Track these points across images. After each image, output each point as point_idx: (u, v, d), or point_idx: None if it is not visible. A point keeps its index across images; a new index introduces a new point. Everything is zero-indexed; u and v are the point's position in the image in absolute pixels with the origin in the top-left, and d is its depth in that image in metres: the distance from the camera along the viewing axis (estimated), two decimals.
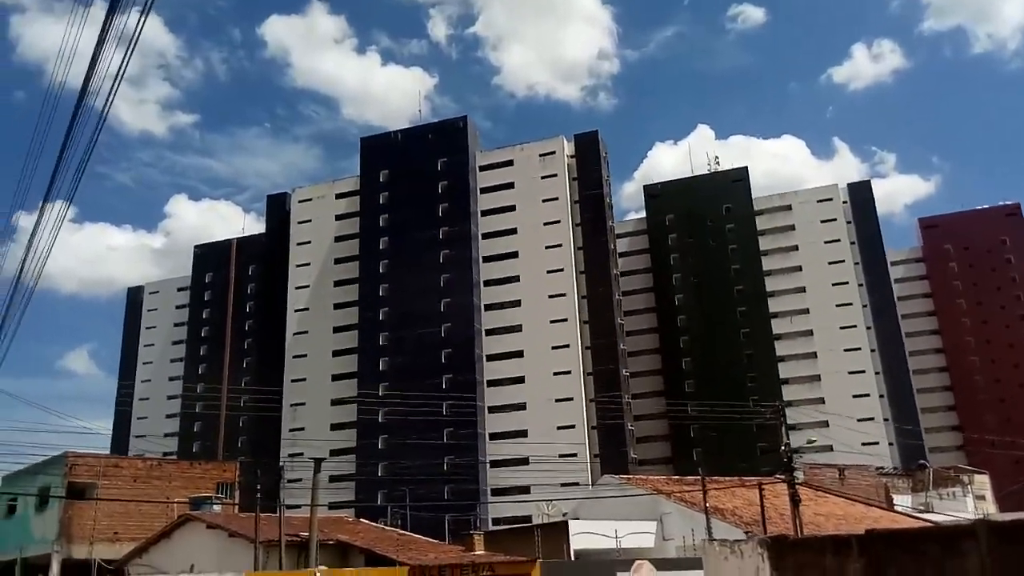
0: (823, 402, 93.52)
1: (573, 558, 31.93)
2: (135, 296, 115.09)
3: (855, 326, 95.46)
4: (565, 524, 33.22)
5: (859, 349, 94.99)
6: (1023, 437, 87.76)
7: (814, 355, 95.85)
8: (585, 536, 33.13)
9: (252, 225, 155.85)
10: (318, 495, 25.64)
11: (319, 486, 25.39)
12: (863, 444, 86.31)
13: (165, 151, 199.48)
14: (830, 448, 76.02)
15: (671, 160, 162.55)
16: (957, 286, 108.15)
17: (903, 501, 46.50)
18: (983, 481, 48.70)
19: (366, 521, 32.59)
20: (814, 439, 38.18)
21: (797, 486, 42.19)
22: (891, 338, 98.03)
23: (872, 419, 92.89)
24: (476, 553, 27.46)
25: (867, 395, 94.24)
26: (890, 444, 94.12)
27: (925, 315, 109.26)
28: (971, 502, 45.29)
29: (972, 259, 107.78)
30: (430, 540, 29.56)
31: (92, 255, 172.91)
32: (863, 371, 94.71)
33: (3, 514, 36.69)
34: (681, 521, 34.75)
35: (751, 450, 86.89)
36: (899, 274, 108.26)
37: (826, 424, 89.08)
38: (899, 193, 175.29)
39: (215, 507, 29.72)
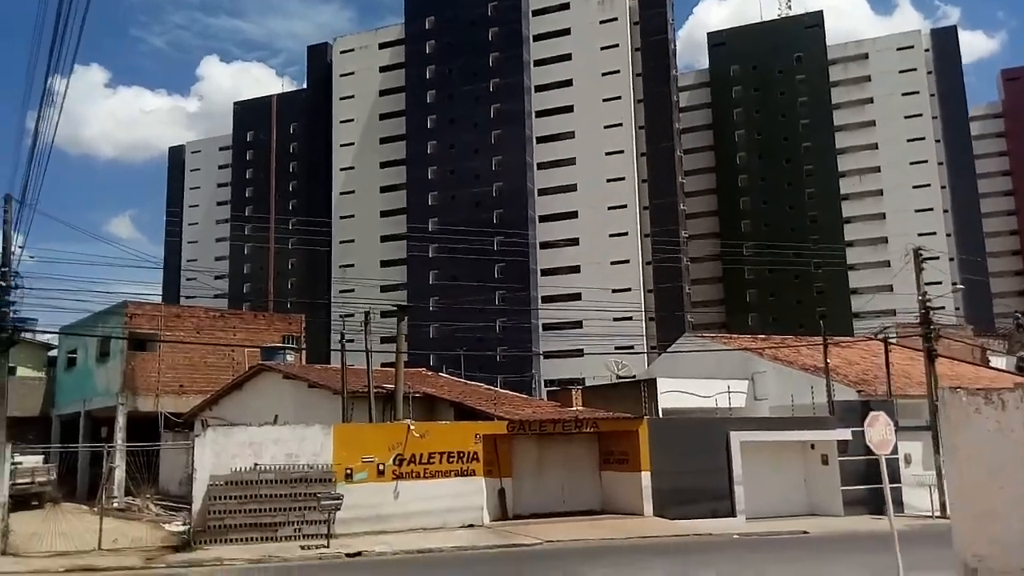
0: (888, 265, 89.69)
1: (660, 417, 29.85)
2: (177, 156, 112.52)
3: (928, 185, 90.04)
4: (653, 382, 30.90)
5: (931, 210, 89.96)
6: None
7: (883, 216, 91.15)
8: (672, 395, 30.90)
9: (289, 89, 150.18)
10: (403, 342, 23.33)
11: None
12: (927, 308, 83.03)
13: (197, 12, 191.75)
14: (893, 312, 72.99)
15: (720, 15, 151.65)
16: None
17: (998, 363, 43.62)
18: None
19: (446, 375, 30.57)
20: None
21: (893, 346, 39.38)
22: (966, 199, 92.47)
23: (940, 283, 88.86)
24: (577, 408, 25.26)
25: (936, 258, 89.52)
26: (956, 309, 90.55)
27: (999, 175, 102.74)
28: None
29: None
30: (520, 395, 27.41)
31: (128, 119, 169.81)
32: (934, 233, 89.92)
33: (64, 367, 35.45)
34: (777, 380, 32.25)
35: (811, 315, 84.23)
36: (975, 131, 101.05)
37: (890, 288, 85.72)
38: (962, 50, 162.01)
39: (288, 358, 27.73)
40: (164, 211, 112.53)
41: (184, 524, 19.98)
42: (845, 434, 24.71)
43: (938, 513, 23.80)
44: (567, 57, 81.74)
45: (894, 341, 40.76)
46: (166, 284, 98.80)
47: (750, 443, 23.87)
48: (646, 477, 22.37)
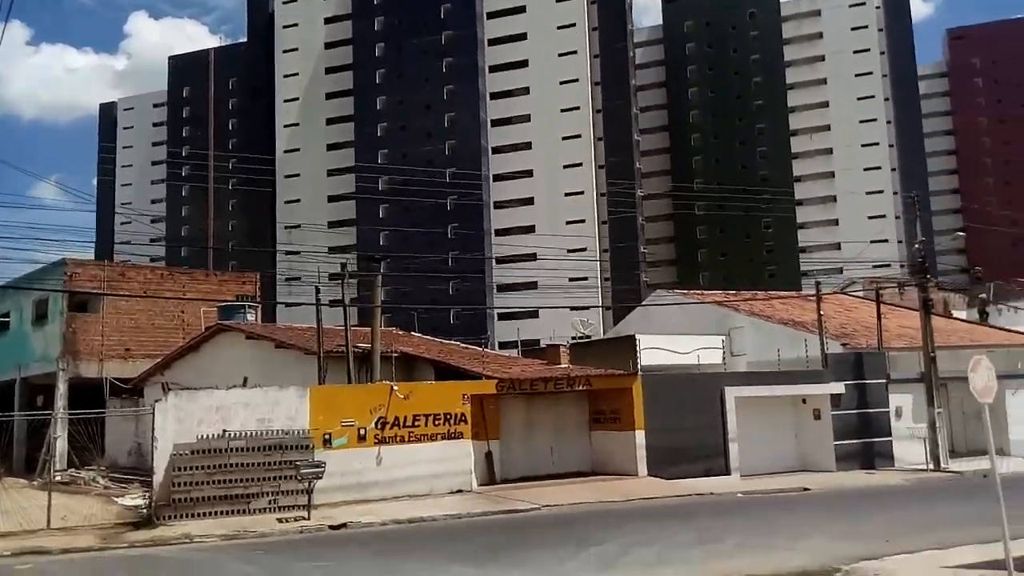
0: (837, 224, 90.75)
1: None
2: (108, 114, 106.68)
3: (877, 144, 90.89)
4: (632, 339, 29.73)
5: (879, 168, 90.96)
6: None
7: (831, 175, 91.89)
8: (649, 352, 29.79)
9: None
10: (378, 295, 21.63)
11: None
12: (874, 266, 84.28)
13: None
14: (840, 271, 73.76)
15: None
16: (980, 103, 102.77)
17: (960, 315, 43.86)
18: None
19: (419, 334, 28.90)
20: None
21: (862, 300, 39.10)
22: (913, 157, 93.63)
23: (886, 241, 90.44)
24: (566, 366, 23.94)
25: (883, 216, 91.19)
26: (901, 266, 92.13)
27: (942, 134, 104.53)
28: None
29: (999, 74, 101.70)
30: (501, 353, 26.00)
31: (52, 78, 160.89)
32: (881, 191, 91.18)
33: None
34: (755, 336, 31.38)
35: (760, 274, 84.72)
36: (922, 90, 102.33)
37: (838, 247, 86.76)
38: None
39: (249, 316, 25.67)
40: (95, 172, 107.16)
41: (143, 498, 18.12)
42: (838, 388, 24.01)
43: (931, 466, 23.30)
44: (521, 9, 79.35)
45: (860, 294, 40.69)
46: (99, 248, 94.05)
47: (744, 399, 22.97)
48: (640, 436, 21.27)
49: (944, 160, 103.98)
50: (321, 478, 17.00)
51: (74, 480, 23.44)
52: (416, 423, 19.07)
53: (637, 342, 23.23)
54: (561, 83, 77.72)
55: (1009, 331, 33.67)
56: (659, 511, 16.99)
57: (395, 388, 18.85)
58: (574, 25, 77.62)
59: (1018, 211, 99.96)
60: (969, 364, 9.79)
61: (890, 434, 24.35)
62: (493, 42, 79.81)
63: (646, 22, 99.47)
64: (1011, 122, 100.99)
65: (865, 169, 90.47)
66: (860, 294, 40.37)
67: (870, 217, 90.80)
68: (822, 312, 31.82)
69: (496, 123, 79.48)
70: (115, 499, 19.44)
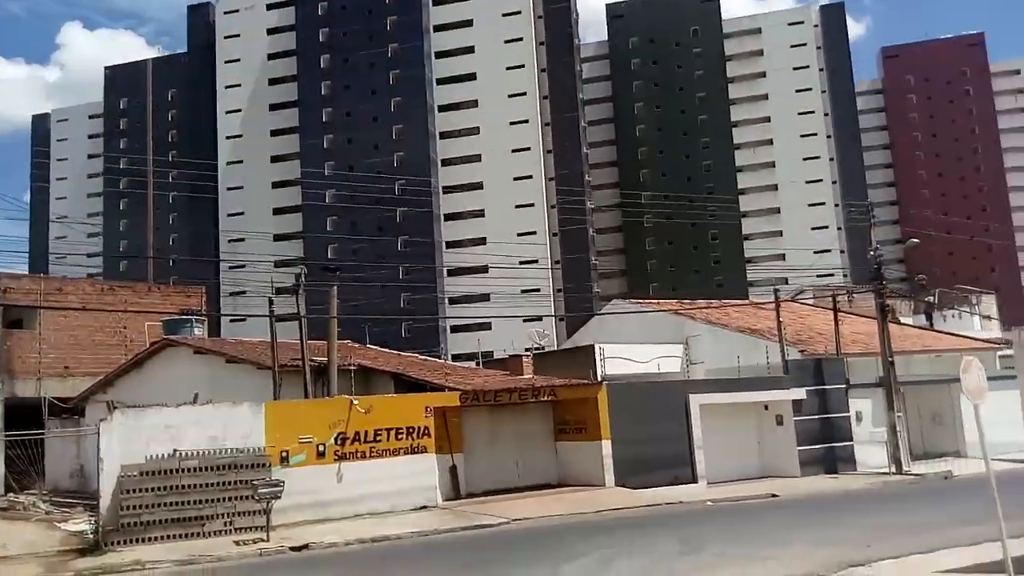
0: (781, 235, 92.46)
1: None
2: (41, 125, 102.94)
3: (818, 157, 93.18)
4: (591, 348, 29.46)
5: (820, 181, 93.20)
6: (965, 276, 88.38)
7: (775, 187, 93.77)
8: (609, 361, 29.58)
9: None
10: (335, 305, 20.90)
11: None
12: (818, 276, 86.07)
13: None
14: (785, 281, 75.04)
15: None
16: (914, 119, 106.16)
17: (906, 322, 44.77)
18: (990, 302, 47.43)
19: (376, 347, 28.11)
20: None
21: (812, 307, 39.58)
22: (853, 171, 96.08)
23: (829, 251, 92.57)
24: (530, 377, 23.47)
25: (825, 227, 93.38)
26: (844, 276, 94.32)
27: (880, 148, 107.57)
28: (978, 321, 43.86)
29: (931, 91, 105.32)
30: (461, 365, 25.41)
31: None
32: (823, 203, 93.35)
33: None
34: (713, 343, 31.43)
35: (708, 284, 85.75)
36: (859, 106, 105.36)
37: (783, 257, 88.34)
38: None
39: (196, 331, 24.60)
40: (27, 186, 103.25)
41: (88, 523, 17.03)
42: (800, 393, 24.03)
43: (892, 470, 23.43)
44: (468, 23, 79.18)
45: (811, 302, 41.30)
46: (33, 263, 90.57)
47: (708, 406, 22.80)
48: (606, 446, 20.90)
49: (882, 173, 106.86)
50: (279, 497, 16.22)
51: (12, 506, 22.07)
52: (377, 438, 18.38)
53: (599, 351, 22.83)
54: (509, 96, 77.68)
55: (956, 335, 34.39)
56: (632, 522, 16.60)
57: (355, 402, 18.14)
58: (521, 39, 77.77)
59: (953, 218, 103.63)
60: (960, 365, 9.65)
61: (851, 439, 24.46)
62: (440, 55, 79.42)
63: (592, 38, 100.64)
64: (943, 136, 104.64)
65: (807, 182, 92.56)
66: (811, 301, 41.00)
67: (813, 228, 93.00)
68: (762, 322, 32.16)
69: (445, 135, 79.01)
70: (58, 525, 18.26)
